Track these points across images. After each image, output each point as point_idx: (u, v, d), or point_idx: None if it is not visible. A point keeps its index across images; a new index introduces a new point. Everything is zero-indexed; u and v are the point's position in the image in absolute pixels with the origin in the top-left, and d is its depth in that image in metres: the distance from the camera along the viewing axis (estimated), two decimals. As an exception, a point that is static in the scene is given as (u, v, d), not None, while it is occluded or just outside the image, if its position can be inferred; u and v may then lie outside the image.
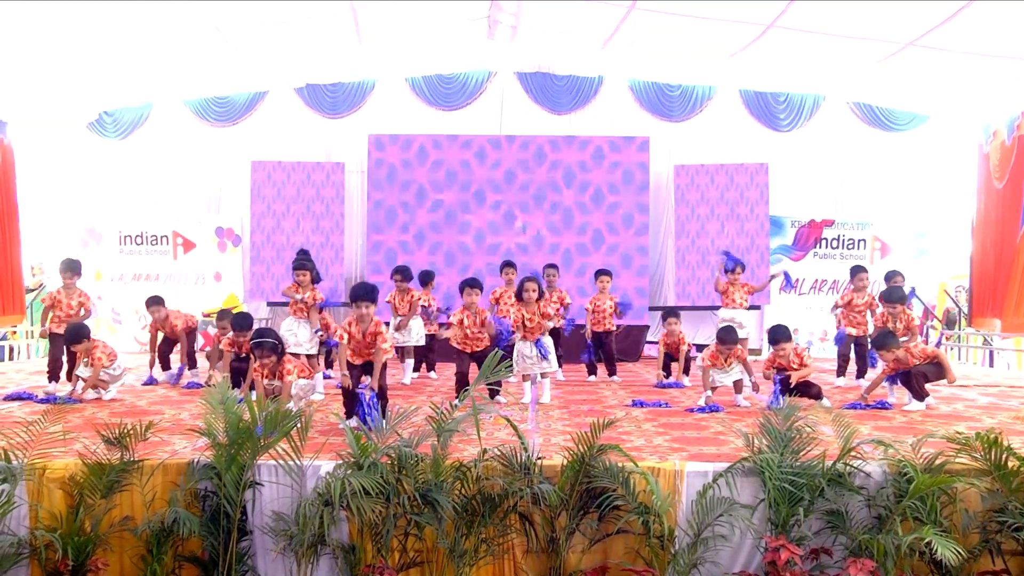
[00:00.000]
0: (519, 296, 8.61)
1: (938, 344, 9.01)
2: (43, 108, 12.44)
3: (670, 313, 10.14)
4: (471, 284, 8.30)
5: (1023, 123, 11.74)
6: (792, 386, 7.82)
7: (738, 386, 8.26)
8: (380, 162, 13.32)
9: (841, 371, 9.98)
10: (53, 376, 8.75)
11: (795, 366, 7.93)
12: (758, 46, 10.93)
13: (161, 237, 13.76)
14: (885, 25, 9.77)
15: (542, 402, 8.30)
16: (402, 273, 9.82)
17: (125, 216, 13.80)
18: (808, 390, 7.88)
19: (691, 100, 13.93)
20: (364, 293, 6.87)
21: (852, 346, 9.79)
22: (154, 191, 14.07)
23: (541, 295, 8.59)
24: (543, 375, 8.56)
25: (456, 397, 8.14)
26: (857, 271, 9.84)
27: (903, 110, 13.49)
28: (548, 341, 8.61)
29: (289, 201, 13.48)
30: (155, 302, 9.46)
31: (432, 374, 10.49)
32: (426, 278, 10.36)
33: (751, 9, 9.76)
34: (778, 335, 8.11)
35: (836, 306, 9.98)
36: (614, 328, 10.42)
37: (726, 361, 8.24)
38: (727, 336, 8.24)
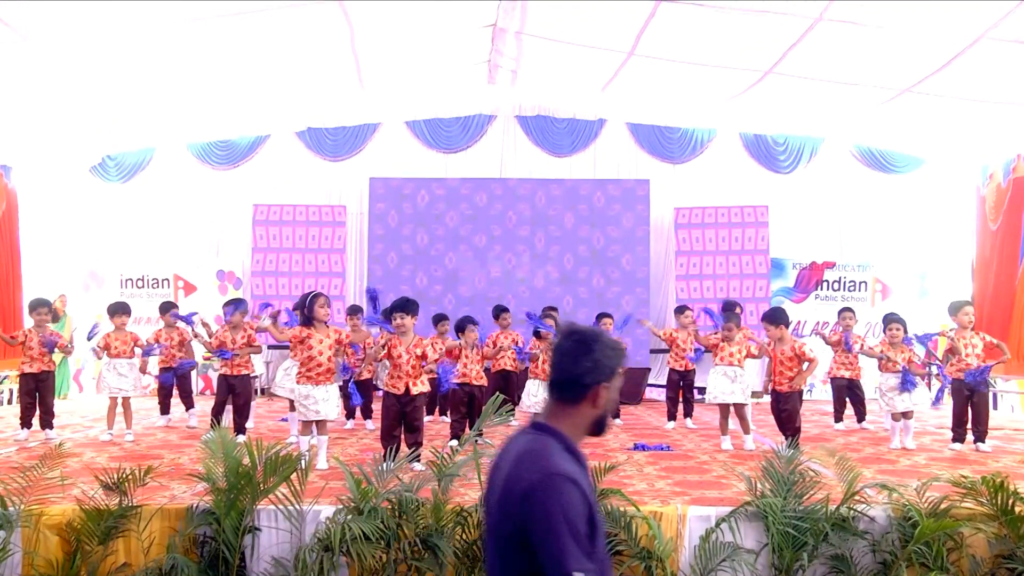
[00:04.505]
0: (536, 333, 8.84)
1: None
2: (47, 152, 12.53)
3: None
4: (472, 322, 8.66)
5: (1019, 166, 11.82)
6: (779, 411, 7.76)
7: (744, 425, 8.20)
8: (381, 205, 13.37)
9: (838, 416, 9.93)
10: (25, 422, 8.68)
11: (788, 357, 7.77)
12: (757, 91, 11.04)
13: (162, 280, 13.76)
14: (881, 72, 9.88)
15: None
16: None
17: (126, 259, 13.82)
18: (789, 424, 7.75)
19: (691, 143, 14.05)
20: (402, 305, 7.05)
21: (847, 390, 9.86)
22: (155, 234, 14.11)
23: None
24: None
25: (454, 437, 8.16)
26: (843, 311, 10.05)
27: (902, 153, 13.58)
28: None
29: (290, 244, 13.50)
30: None
31: (444, 417, 10.41)
32: (437, 320, 10.19)
33: (748, 57, 9.87)
34: (769, 315, 8.07)
35: (828, 341, 10.02)
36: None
37: (728, 342, 8.20)
38: (727, 306, 8.16)
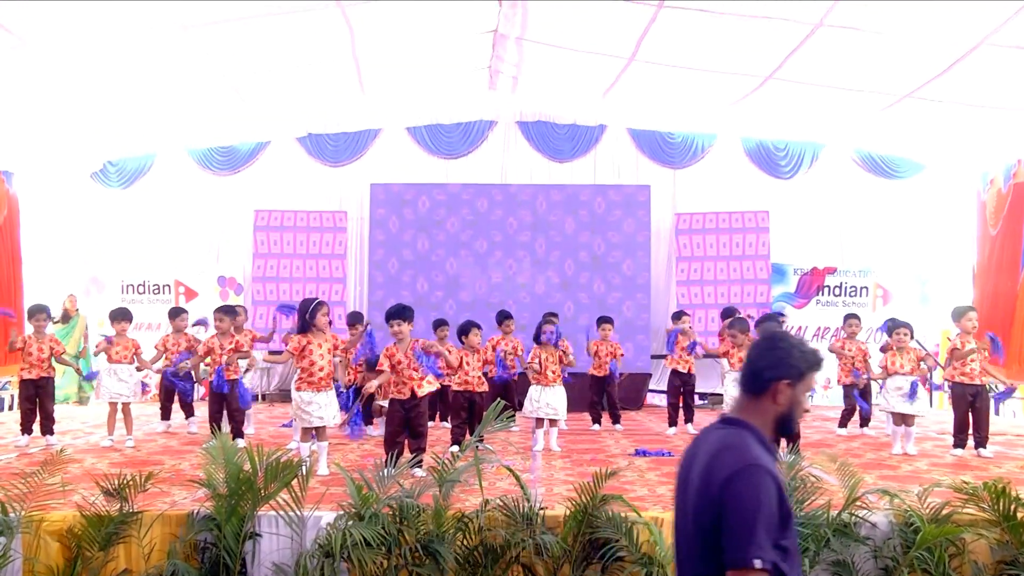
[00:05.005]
0: (536, 339, 8.82)
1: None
2: (49, 158, 12.51)
3: None
4: (477, 326, 8.60)
5: (1019, 171, 11.81)
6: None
7: None
8: (382, 211, 13.37)
9: (843, 421, 9.91)
10: (26, 428, 8.67)
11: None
12: (757, 96, 11.03)
13: (163, 286, 13.76)
14: (881, 78, 9.88)
15: (552, 449, 8.33)
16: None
17: (127, 265, 13.81)
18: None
19: (692, 148, 14.03)
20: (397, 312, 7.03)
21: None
22: (156, 240, 14.08)
23: (560, 336, 8.78)
24: (551, 422, 8.55)
25: (456, 443, 8.15)
26: (848, 317, 10.05)
27: (903, 158, 13.58)
28: (560, 391, 8.61)
29: (291, 249, 13.50)
30: None
31: (445, 423, 10.40)
32: (437, 324, 10.20)
33: (749, 62, 9.88)
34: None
35: (832, 349, 10.01)
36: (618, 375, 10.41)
37: (739, 348, 8.15)
38: (727, 312, 8.23)
